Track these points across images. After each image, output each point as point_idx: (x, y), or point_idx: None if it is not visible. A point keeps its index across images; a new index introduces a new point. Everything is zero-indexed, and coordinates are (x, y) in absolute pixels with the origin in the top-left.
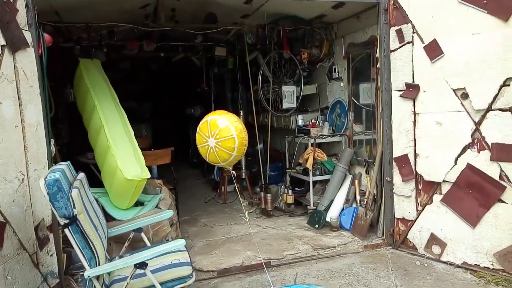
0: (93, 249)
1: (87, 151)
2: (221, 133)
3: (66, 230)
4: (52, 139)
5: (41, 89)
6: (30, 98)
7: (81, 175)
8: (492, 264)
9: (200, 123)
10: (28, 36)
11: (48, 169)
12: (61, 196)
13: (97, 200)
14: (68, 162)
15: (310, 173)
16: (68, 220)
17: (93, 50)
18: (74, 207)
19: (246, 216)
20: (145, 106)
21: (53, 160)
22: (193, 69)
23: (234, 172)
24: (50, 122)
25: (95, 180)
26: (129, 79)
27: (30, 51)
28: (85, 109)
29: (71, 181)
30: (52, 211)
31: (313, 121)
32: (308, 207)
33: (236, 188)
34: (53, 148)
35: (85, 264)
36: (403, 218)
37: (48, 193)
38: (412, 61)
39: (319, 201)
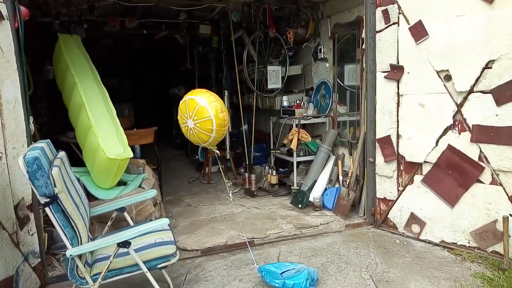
0: (75, 228)
1: (68, 130)
2: (199, 114)
3: (47, 209)
4: (31, 117)
5: (18, 65)
6: (7, 73)
7: (62, 153)
8: (469, 242)
9: (180, 102)
10: (3, 8)
11: (27, 147)
12: (41, 175)
13: (78, 180)
14: (48, 140)
15: (294, 154)
16: (48, 199)
17: (73, 26)
18: (55, 186)
19: (230, 195)
20: (127, 85)
21: (32, 139)
22: (177, 47)
23: (218, 152)
24: (29, 100)
25: (76, 160)
26: (111, 57)
27: (5, 24)
28: (65, 86)
29: (51, 159)
30: (32, 190)
31: (298, 102)
32: (292, 187)
33: (220, 169)
34: (32, 126)
35: (67, 243)
36: (384, 198)
37: (27, 171)
38: (398, 42)
39: (302, 181)
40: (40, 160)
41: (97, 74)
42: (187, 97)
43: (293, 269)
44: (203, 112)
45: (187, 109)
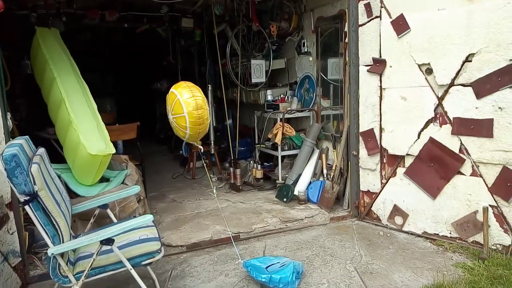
0: (56, 226)
1: (48, 126)
2: (175, 109)
3: (26, 207)
4: (8, 113)
5: None
6: None
7: (41, 150)
8: (450, 233)
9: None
10: None
11: (5, 144)
12: (19, 172)
13: (59, 177)
14: (27, 136)
15: (279, 148)
16: (28, 197)
17: (51, 19)
18: (35, 183)
19: (214, 191)
20: (109, 79)
21: (10, 135)
22: (159, 41)
23: (201, 147)
24: (7, 96)
25: (57, 156)
26: (92, 51)
27: None
28: (44, 81)
29: (31, 156)
30: (12, 188)
31: (282, 96)
32: (277, 181)
33: (204, 164)
34: (9, 123)
35: (48, 241)
36: (368, 191)
37: (5, 169)
38: (380, 36)
39: (287, 175)
40: (18, 157)
41: (76, 69)
42: (171, 89)
43: (277, 263)
44: (178, 108)
45: (168, 102)
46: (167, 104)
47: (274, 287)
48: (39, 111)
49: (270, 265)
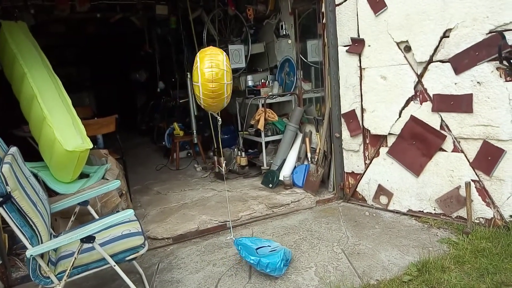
0: (33, 226)
1: (23, 123)
2: (194, 77)
3: (0, 209)
4: None
5: None
6: None
7: (13, 149)
8: (434, 209)
9: None
10: None
11: None
12: None
13: (36, 175)
14: None
15: (262, 134)
16: (1, 198)
17: (17, 12)
18: (7, 184)
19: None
20: (85, 72)
21: None
22: (135, 30)
23: (220, 119)
24: None
25: (35, 154)
26: (66, 44)
27: None
28: (14, 77)
29: (2, 156)
30: None
31: (262, 81)
32: (262, 167)
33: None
34: None
35: (26, 243)
36: (352, 172)
37: None
38: (357, 15)
39: (272, 161)
40: None
41: (48, 63)
42: (197, 54)
43: (268, 246)
44: (195, 76)
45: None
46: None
47: (261, 270)
48: (13, 108)
49: (260, 247)
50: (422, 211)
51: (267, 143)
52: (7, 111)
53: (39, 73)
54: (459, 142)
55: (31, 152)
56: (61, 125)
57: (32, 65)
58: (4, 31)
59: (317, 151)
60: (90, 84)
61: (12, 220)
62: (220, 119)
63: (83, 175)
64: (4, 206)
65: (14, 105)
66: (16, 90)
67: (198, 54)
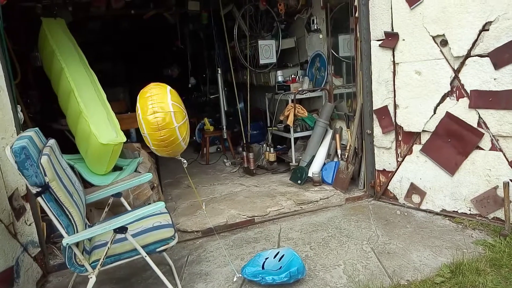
0: (69, 216)
1: (60, 117)
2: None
3: (39, 199)
4: (19, 106)
5: (0, 52)
6: None
7: (51, 141)
8: (470, 210)
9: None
10: None
11: (17, 136)
12: (30, 164)
13: (72, 167)
14: (37, 128)
15: (291, 130)
16: (40, 188)
17: (56, 9)
18: (45, 175)
19: (204, 207)
20: (120, 68)
21: (22, 128)
22: (167, 26)
23: (185, 162)
24: (19, 89)
25: (72, 147)
26: (102, 40)
27: None
28: (52, 72)
29: (41, 148)
30: None
31: (293, 76)
32: (290, 163)
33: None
34: (21, 115)
35: (63, 231)
36: (384, 170)
37: (16, 161)
38: (391, 8)
39: (301, 157)
40: (28, 149)
41: (84, 58)
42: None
43: (269, 256)
44: (140, 126)
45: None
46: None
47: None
48: (52, 102)
49: (264, 261)
50: (457, 211)
51: (296, 139)
52: (46, 105)
53: (76, 68)
54: (498, 140)
55: (68, 144)
56: (97, 119)
57: (69, 61)
58: (44, 28)
59: (348, 147)
60: (124, 79)
61: (50, 209)
62: (185, 162)
63: (117, 168)
64: (43, 196)
65: (52, 100)
66: (55, 85)
67: (138, 99)
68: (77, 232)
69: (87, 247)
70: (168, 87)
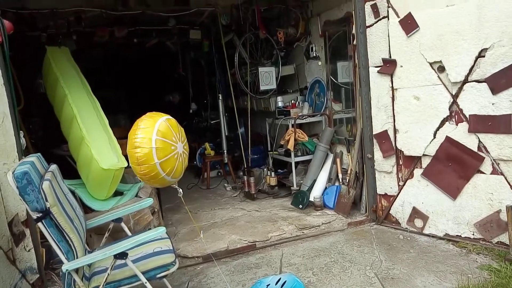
0: (69, 242)
1: (62, 143)
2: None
3: (39, 224)
4: (21, 131)
5: (5, 79)
6: None
7: (53, 166)
8: (473, 234)
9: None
10: None
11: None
12: (31, 189)
13: (73, 192)
14: (39, 154)
15: (292, 154)
16: (40, 214)
17: (61, 38)
18: (46, 200)
19: (201, 236)
20: (122, 95)
21: (24, 153)
22: (169, 54)
23: (181, 191)
24: (22, 115)
25: (73, 172)
26: (104, 68)
27: None
28: (56, 99)
29: (42, 173)
30: None
31: (292, 102)
32: (292, 188)
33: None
34: (23, 141)
35: (63, 257)
36: (385, 194)
37: (17, 187)
38: (388, 36)
39: (302, 181)
40: (29, 175)
41: (87, 85)
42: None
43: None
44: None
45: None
46: (165, 137)
47: None
48: (54, 129)
49: (267, 287)
50: (460, 236)
51: (296, 163)
52: (48, 131)
53: (78, 95)
54: (498, 164)
55: (69, 170)
56: (98, 144)
57: (72, 87)
58: (48, 56)
59: (349, 172)
60: (126, 106)
61: (50, 235)
62: (181, 192)
63: (118, 193)
64: (43, 221)
65: (54, 126)
66: (57, 111)
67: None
68: (77, 258)
69: (86, 273)
70: (161, 120)
